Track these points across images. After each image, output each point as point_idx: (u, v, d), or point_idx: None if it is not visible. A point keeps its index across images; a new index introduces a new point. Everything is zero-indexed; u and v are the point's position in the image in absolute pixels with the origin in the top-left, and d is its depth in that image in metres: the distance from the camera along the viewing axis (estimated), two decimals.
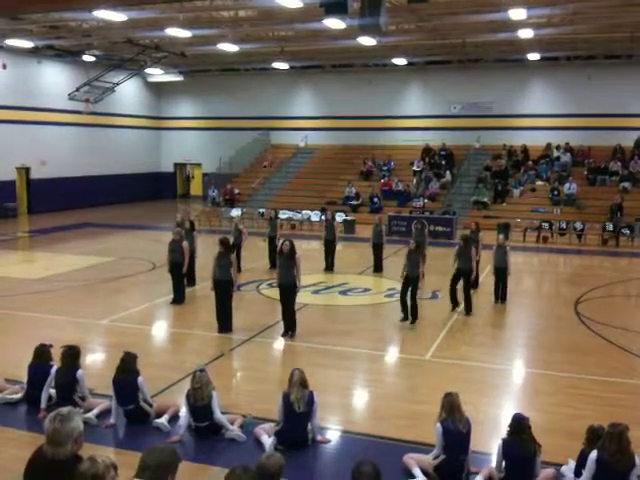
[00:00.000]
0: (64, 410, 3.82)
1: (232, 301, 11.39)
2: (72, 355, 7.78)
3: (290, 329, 11.14)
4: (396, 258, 17.70)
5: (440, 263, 15.96)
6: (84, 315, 12.37)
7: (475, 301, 13.07)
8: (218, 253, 11.32)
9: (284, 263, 10.97)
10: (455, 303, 12.94)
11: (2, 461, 6.50)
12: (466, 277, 12.80)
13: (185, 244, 13.44)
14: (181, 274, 13.50)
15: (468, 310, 12.73)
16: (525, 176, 28.23)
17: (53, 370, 7.79)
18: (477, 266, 14.76)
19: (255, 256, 17.80)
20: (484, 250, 14.79)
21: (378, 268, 17.01)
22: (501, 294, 13.76)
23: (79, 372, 7.75)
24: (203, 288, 13.61)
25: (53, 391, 7.83)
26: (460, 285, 12.91)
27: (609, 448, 5.54)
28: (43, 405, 7.64)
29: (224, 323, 11.32)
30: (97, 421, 7.46)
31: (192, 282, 14.67)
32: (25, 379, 8.09)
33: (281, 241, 11.27)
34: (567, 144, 28.95)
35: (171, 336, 11.95)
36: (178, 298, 13.34)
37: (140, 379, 7.56)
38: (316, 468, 6.90)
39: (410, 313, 12.01)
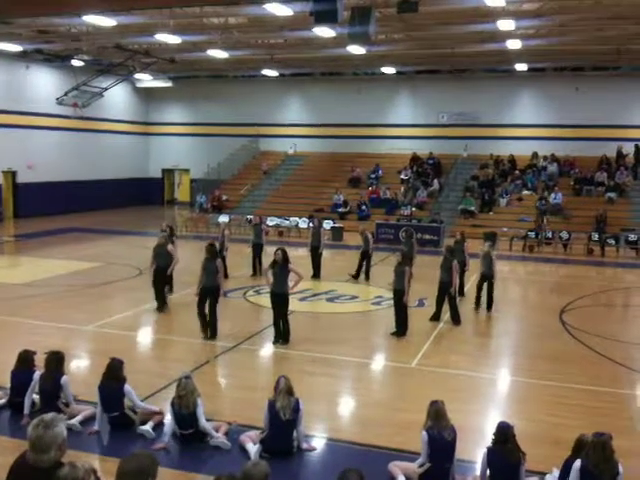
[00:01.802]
0: (48, 416, 3.79)
1: (217, 308, 11.36)
2: (56, 361, 7.72)
3: (281, 337, 11.14)
4: (383, 266, 17.75)
5: (427, 271, 15.99)
6: (69, 321, 12.29)
7: (461, 310, 13.10)
8: (205, 259, 11.32)
9: (277, 272, 10.97)
10: (437, 318, 12.86)
11: None
12: (447, 290, 12.71)
13: (171, 247, 13.43)
14: (164, 279, 13.46)
15: (456, 321, 12.72)
16: (512, 185, 28.43)
17: (36, 375, 7.72)
18: (463, 276, 14.87)
19: (241, 263, 17.77)
20: (472, 258, 14.87)
21: (366, 276, 17.01)
22: (487, 302, 13.81)
23: (63, 378, 7.69)
24: (188, 295, 13.54)
25: (37, 397, 7.76)
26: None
27: (593, 457, 5.55)
28: (26, 411, 7.57)
29: (210, 329, 11.28)
30: (81, 428, 7.40)
31: (170, 289, 14.61)
32: (8, 385, 8.03)
33: (274, 250, 11.25)
34: (552, 155, 29.21)
35: (156, 343, 11.87)
36: (161, 305, 13.32)
37: (127, 386, 7.52)
38: (301, 476, 6.88)
39: (395, 325, 11.88)
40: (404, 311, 11.84)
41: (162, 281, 13.43)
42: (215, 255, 11.51)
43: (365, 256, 16.99)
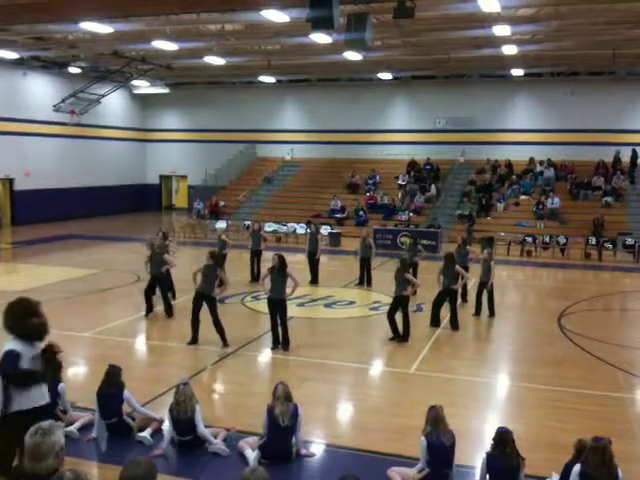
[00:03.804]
0: (45, 424, 3.78)
1: (218, 315, 11.31)
2: (53, 368, 7.68)
3: (279, 342, 11.14)
4: (381, 272, 17.75)
5: (425, 277, 15.98)
6: (67, 327, 12.21)
7: (460, 315, 13.09)
8: (205, 265, 11.28)
9: (275, 278, 10.96)
10: (436, 324, 12.84)
11: None
12: (450, 296, 12.71)
13: (166, 256, 13.44)
14: (159, 286, 13.46)
15: (455, 326, 12.71)
16: (509, 190, 28.48)
17: None
18: (465, 282, 14.87)
19: (239, 269, 17.75)
20: (472, 263, 14.89)
21: (363, 281, 16.99)
22: (489, 309, 13.79)
23: (60, 385, 7.66)
24: (186, 301, 13.50)
25: None
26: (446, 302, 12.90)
27: (592, 462, 5.54)
28: None
29: (221, 338, 11.25)
30: (79, 435, 7.38)
31: (173, 295, 14.57)
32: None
33: (271, 256, 11.24)
34: (549, 159, 29.26)
35: (154, 349, 11.84)
36: (150, 310, 13.34)
37: (126, 392, 7.50)
38: None
39: (395, 331, 11.85)
40: (407, 317, 11.84)
41: (154, 288, 13.44)
42: (216, 262, 11.47)
43: (365, 263, 16.94)
